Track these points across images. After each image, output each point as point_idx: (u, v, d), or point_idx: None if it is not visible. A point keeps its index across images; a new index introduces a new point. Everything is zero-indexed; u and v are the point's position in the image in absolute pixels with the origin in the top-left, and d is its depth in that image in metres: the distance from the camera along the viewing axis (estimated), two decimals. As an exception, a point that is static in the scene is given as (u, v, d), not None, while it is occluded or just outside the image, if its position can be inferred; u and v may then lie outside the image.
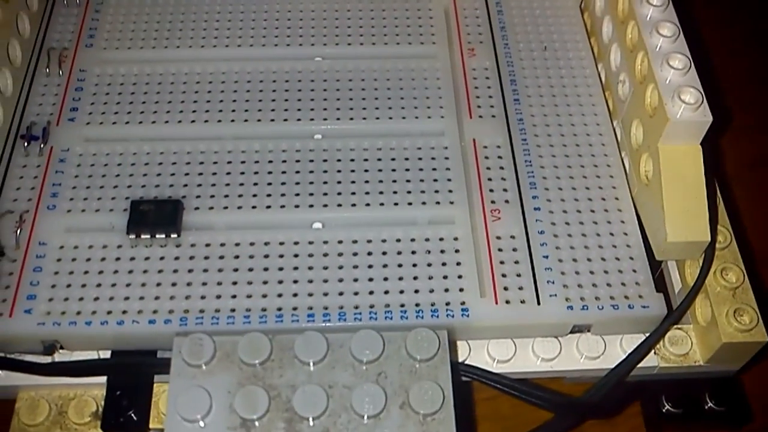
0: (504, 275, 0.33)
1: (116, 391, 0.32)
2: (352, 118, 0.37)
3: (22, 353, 0.32)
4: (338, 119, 0.37)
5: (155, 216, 0.33)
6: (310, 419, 0.27)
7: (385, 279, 0.33)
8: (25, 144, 0.35)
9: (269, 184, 0.35)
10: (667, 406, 0.34)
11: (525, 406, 0.32)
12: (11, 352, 0.32)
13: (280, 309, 0.31)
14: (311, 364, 0.28)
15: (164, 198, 0.34)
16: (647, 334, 0.33)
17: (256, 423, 0.27)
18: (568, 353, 0.33)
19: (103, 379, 0.32)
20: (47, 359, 0.32)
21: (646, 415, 0.35)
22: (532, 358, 0.33)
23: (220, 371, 0.28)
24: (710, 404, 0.34)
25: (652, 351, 0.33)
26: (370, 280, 0.32)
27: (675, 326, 0.34)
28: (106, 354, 0.32)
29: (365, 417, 0.27)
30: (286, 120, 0.37)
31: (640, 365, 0.33)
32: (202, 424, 0.27)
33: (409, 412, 0.28)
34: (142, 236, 0.33)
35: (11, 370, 0.32)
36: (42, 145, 0.35)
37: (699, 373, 0.34)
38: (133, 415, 0.31)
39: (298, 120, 0.37)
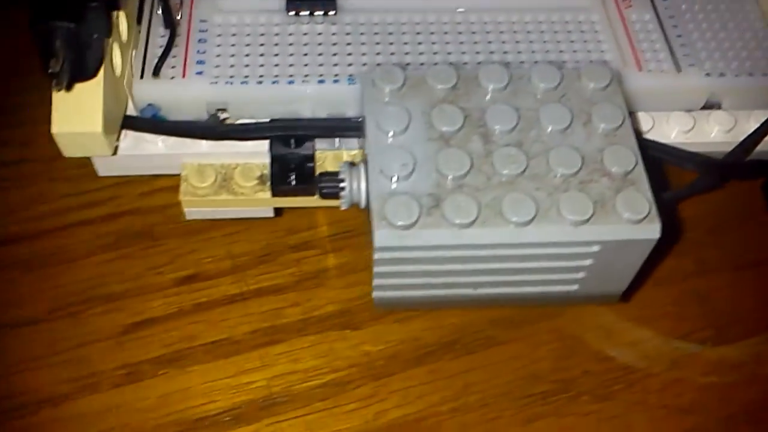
0: (643, 50, 0.35)
1: (281, 154, 0.33)
2: None
3: (186, 122, 0.33)
4: None
5: (313, -6, 0.34)
6: (502, 133, 0.28)
7: (533, 52, 0.34)
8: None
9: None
10: (792, 181, 0.36)
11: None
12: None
13: (439, 73, 0.33)
14: (495, 90, 0.30)
15: (318, -19, 0.35)
16: (777, 108, 0.35)
17: (454, 135, 0.28)
18: (701, 128, 0.35)
19: (263, 149, 0.33)
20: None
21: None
22: (668, 130, 0.35)
23: (411, 96, 0.29)
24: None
25: (781, 124, 0.35)
26: (519, 52, 0.34)
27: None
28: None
29: (552, 131, 0.29)
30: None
31: (769, 138, 0.35)
32: (401, 138, 0.28)
33: (592, 128, 0.29)
34: (301, 13, 0.34)
35: (183, 136, 0.32)
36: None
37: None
38: (298, 176, 0.32)
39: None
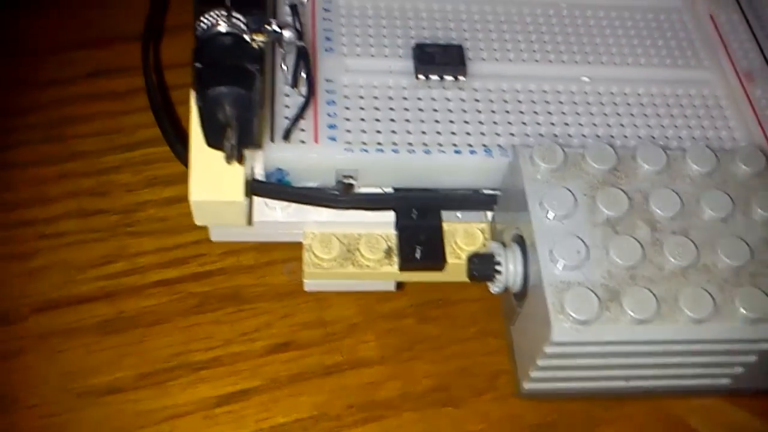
0: (772, 128, 0.34)
1: (407, 228, 0.31)
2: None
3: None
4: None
5: (442, 58, 0.33)
6: (667, 219, 0.27)
7: (662, 126, 0.33)
8: (287, -6, 0.35)
9: (531, 41, 0.35)
10: None
11: None
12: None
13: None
14: (653, 173, 0.29)
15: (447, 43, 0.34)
16: None
17: (620, 221, 0.27)
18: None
19: (387, 219, 0.31)
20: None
21: None
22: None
23: (571, 176, 0.28)
24: None
25: None
26: (649, 126, 0.33)
27: None
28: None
29: (713, 219, 0.28)
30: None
31: None
32: (567, 222, 0.27)
33: (752, 217, 0.28)
34: (431, 77, 0.33)
35: (313, 203, 0.30)
36: (305, -1, 0.35)
37: None
38: (427, 250, 0.31)
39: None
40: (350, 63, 0.33)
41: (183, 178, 0.32)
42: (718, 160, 0.29)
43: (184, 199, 0.32)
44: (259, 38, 0.27)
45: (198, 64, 0.24)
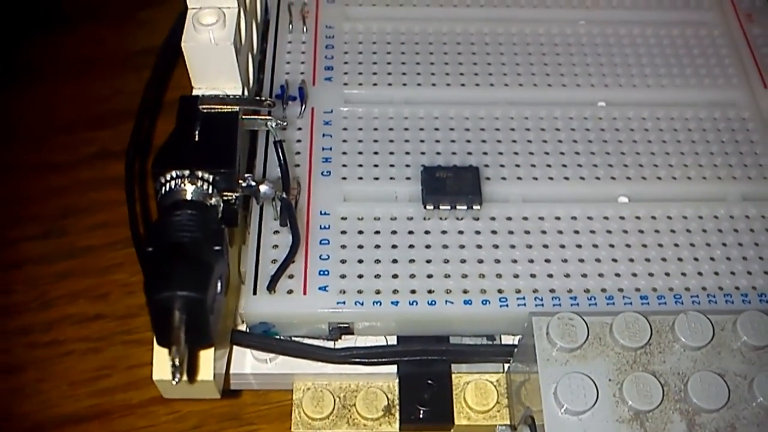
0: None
1: (411, 382, 0.27)
2: (635, 85, 0.33)
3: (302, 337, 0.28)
4: (620, 86, 0.33)
5: (453, 185, 0.29)
6: (710, 412, 0.23)
7: (712, 259, 0.28)
8: (284, 105, 0.31)
9: (561, 153, 0.31)
10: None
11: None
12: (289, 336, 0.28)
13: (604, 290, 0.27)
14: (695, 348, 0.24)
15: (460, 165, 0.30)
16: None
17: (650, 415, 0.23)
18: None
19: (388, 370, 0.28)
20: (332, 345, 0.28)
21: None
22: None
23: (594, 354, 0.24)
24: None
25: None
26: (696, 260, 0.28)
27: None
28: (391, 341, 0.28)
29: (769, 411, 0.23)
30: (564, 86, 0.33)
31: None
32: (584, 417, 0.23)
33: (817, 406, 0.24)
34: (441, 207, 0.28)
35: (298, 356, 0.27)
36: (303, 107, 0.31)
37: None
38: (433, 409, 0.27)
39: (578, 86, 0.33)
40: (349, 189, 0.29)
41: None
42: (774, 329, 0.24)
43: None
44: (230, 195, 0.24)
45: (150, 249, 0.21)
